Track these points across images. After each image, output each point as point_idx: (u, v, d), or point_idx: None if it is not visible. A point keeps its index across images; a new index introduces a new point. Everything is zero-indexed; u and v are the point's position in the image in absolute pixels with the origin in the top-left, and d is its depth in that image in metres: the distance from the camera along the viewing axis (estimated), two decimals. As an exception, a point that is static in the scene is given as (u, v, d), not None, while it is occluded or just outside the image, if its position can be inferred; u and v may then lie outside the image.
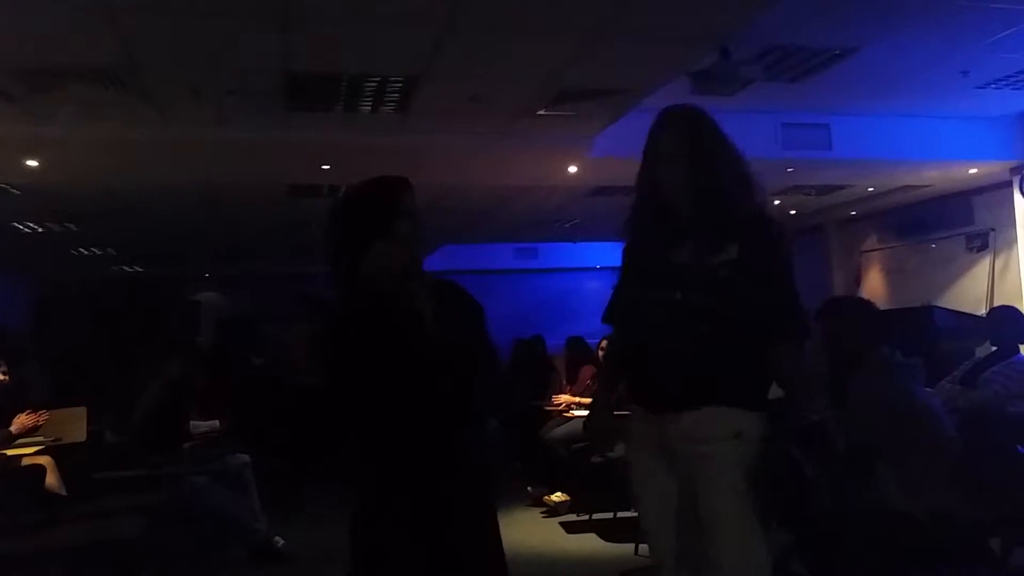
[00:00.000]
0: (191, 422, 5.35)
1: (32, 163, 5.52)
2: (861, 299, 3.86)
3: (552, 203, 8.21)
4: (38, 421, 4.88)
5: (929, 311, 6.46)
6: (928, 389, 3.60)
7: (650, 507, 2.17)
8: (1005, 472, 3.25)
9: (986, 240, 8.08)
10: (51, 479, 4.60)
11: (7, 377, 5.03)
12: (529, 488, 6.25)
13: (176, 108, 4.91)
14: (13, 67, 4.16)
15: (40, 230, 8.11)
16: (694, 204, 2.05)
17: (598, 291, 13.50)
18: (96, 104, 4.69)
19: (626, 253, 2.26)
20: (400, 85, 4.73)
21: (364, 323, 1.97)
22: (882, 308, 4.50)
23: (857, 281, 9.89)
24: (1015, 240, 7.41)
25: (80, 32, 3.79)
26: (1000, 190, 7.61)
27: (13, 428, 4.80)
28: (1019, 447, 3.35)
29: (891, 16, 4.38)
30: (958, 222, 8.42)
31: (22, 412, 4.92)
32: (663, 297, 2.05)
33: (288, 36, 3.98)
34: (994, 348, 4.33)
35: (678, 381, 2.03)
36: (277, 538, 4.89)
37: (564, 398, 6.76)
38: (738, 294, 1.94)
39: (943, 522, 2.83)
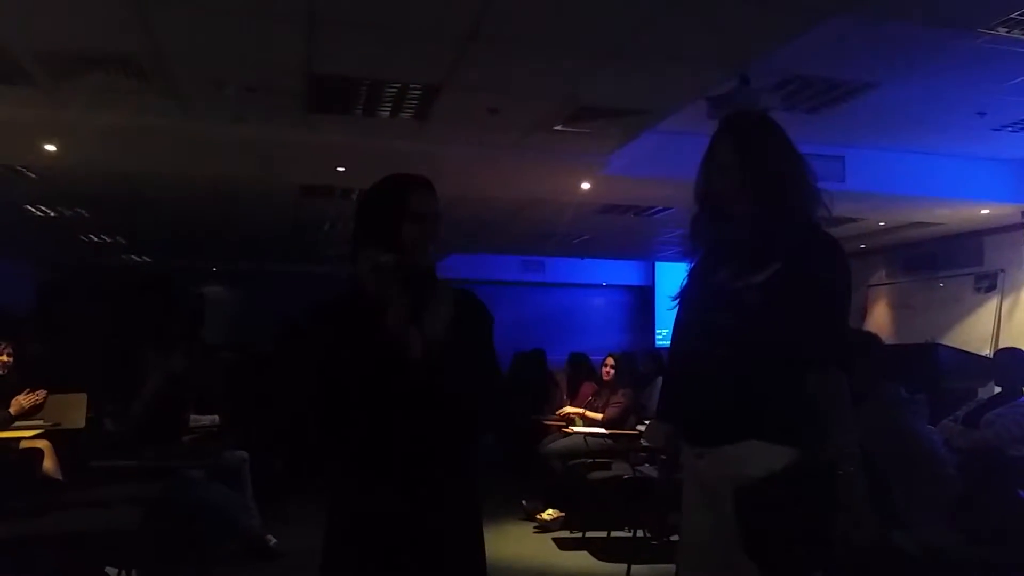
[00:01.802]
0: (191, 416, 5.36)
1: (50, 147, 5.55)
2: (869, 333, 3.86)
3: (563, 218, 8.22)
4: (36, 400, 4.91)
5: (934, 349, 6.45)
6: (930, 427, 3.60)
7: (684, 541, 2.05)
8: (1004, 515, 3.24)
9: (995, 281, 8.07)
10: (48, 464, 4.62)
11: (11, 359, 5.05)
12: (523, 502, 6.23)
13: (196, 101, 4.94)
14: (38, 51, 4.19)
15: (52, 214, 8.14)
16: (741, 217, 1.92)
17: (603, 308, 13.62)
18: (117, 92, 4.72)
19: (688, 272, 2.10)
20: (420, 92, 4.75)
21: (342, 325, 1.92)
22: (887, 343, 4.50)
23: (863, 314, 9.87)
24: (1024, 282, 7.42)
25: (109, 20, 3.81)
26: (1011, 232, 7.62)
27: (12, 409, 4.83)
28: (1020, 491, 3.34)
29: (911, 54, 4.40)
30: (967, 262, 8.42)
31: (21, 394, 4.94)
32: (692, 319, 1.97)
33: (314, 38, 4.01)
34: (998, 390, 4.33)
35: (700, 411, 1.90)
36: (270, 536, 4.89)
37: (567, 409, 6.76)
38: (762, 315, 1.78)
39: (939, 559, 2.83)
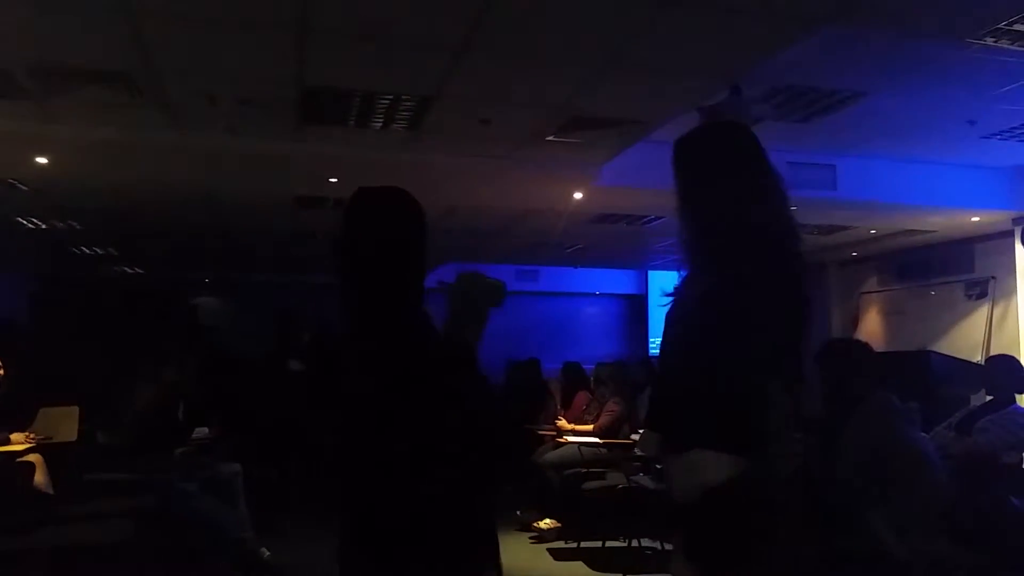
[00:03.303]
0: (184, 428, 5.34)
1: (42, 160, 5.54)
2: (860, 342, 3.87)
3: (556, 228, 8.24)
4: (28, 440, 4.85)
5: (926, 356, 6.48)
6: (923, 434, 3.61)
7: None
8: (997, 522, 3.25)
9: (986, 288, 8.11)
10: (39, 477, 4.59)
11: (3, 371, 5.03)
12: (519, 512, 6.22)
13: (188, 114, 4.94)
14: (32, 64, 4.19)
15: (43, 227, 8.12)
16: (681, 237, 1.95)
17: (597, 317, 13.64)
18: (110, 106, 4.72)
19: None
20: (412, 104, 4.76)
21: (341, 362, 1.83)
22: (879, 350, 4.51)
23: (855, 322, 9.91)
24: (1015, 290, 7.45)
25: (102, 35, 3.82)
26: (1002, 239, 7.66)
27: (12, 437, 4.77)
28: (1012, 498, 3.35)
29: (901, 63, 4.43)
30: (959, 269, 8.47)
31: (14, 407, 4.92)
32: (663, 331, 1.98)
33: (307, 50, 4.02)
34: (990, 397, 4.34)
35: (665, 421, 1.93)
36: (263, 549, 4.87)
37: (561, 424, 6.75)
38: (701, 330, 1.81)
39: (932, 567, 2.83)
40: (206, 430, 5.52)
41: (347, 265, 1.84)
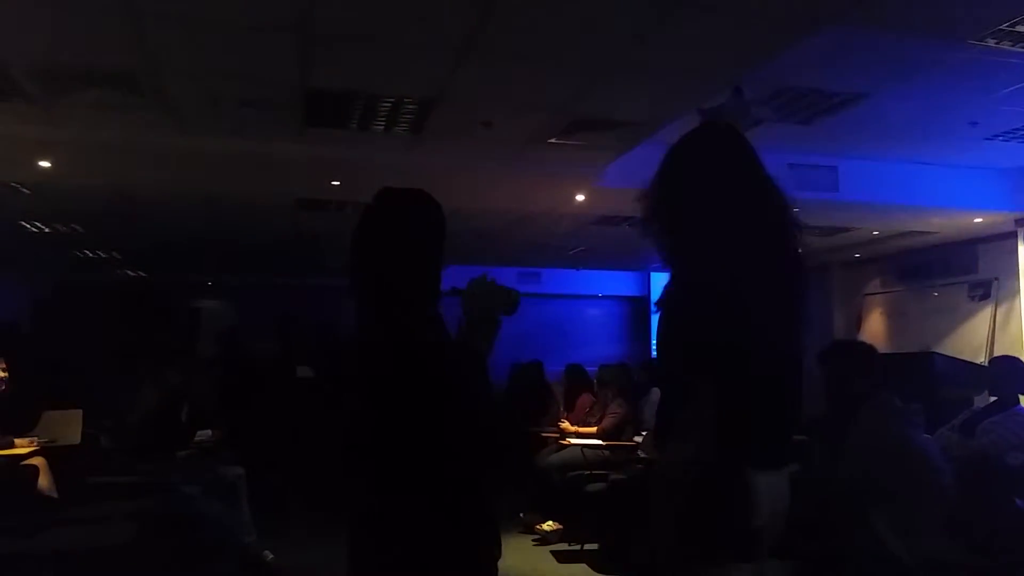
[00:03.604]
0: (186, 430, 5.35)
1: (45, 164, 5.55)
2: (864, 343, 3.86)
3: (558, 230, 8.24)
4: (32, 443, 4.85)
5: (929, 357, 6.46)
6: (927, 436, 3.60)
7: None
8: (1000, 523, 3.25)
9: (988, 289, 8.10)
10: (43, 481, 4.60)
11: (6, 374, 5.03)
12: (521, 514, 6.21)
13: (191, 116, 4.96)
14: (34, 67, 4.20)
15: (47, 230, 8.13)
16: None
17: (599, 319, 13.62)
18: (112, 108, 4.74)
19: None
20: (415, 107, 4.77)
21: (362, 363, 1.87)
22: (882, 352, 4.51)
23: (858, 323, 9.90)
24: (1018, 291, 7.43)
25: (105, 37, 3.83)
26: (1005, 240, 7.64)
27: (16, 441, 4.79)
28: (1016, 500, 3.35)
29: (902, 64, 4.43)
30: (961, 270, 8.45)
31: (18, 411, 4.93)
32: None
33: (309, 53, 4.03)
34: (993, 398, 4.34)
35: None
36: (266, 552, 4.87)
37: (564, 426, 6.74)
38: (659, 330, 1.89)
39: (936, 568, 2.82)
40: (208, 432, 5.52)
41: (363, 263, 1.87)
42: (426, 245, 1.89)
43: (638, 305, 13.42)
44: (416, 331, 1.81)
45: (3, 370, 5.09)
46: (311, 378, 7.12)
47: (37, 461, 4.67)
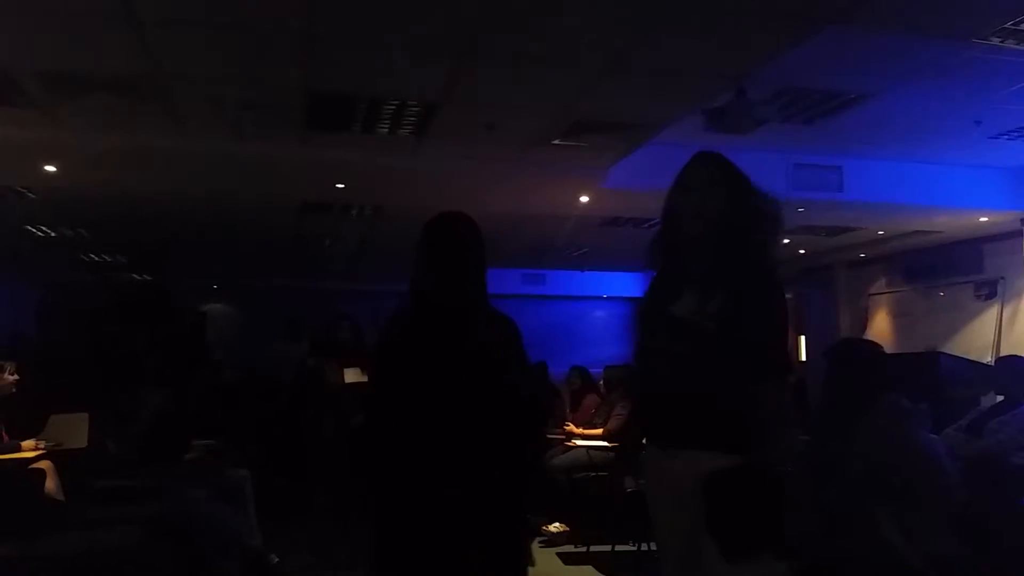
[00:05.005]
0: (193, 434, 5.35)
1: (50, 168, 5.58)
2: (871, 343, 3.85)
3: (562, 231, 8.24)
4: (39, 447, 4.87)
5: (935, 357, 6.44)
6: (933, 436, 3.59)
7: (658, 540, 2.28)
8: (1007, 523, 3.23)
9: (995, 288, 8.07)
10: (50, 484, 4.60)
11: (16, 378, 5.05)
12: (528, 516, 6.20)
13: (195, 120, 4.97)
14: (39, 72, 4.22)
15: (53, 234, 8.16)
16: (701, 251, 2.14)
17: (604, 320, 13.61)
18: (117, 112, 4.75)
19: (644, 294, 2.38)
20: (418, 109, 4.78)
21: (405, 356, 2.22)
22: (888, 352, 4.50)
23: (864, 323, 9.87)
24: (1024, 289, 7.42)
25: (109, 41, 3.85)
26: (1010, 239, 7.62)
27: (23, 444, 4.80)
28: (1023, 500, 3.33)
29: (906, 64, 4.42)
30: (967, 269, 8.42)
31: (24, 415, 4.93)
32: (657, 344, 2.15)
33: (312, 56, 4.04)
34: (1000, 398, 4.31)
35: (662, 421, 2.14)
36: (272, 555, 4.86)
37: (570, 428, 6.73)
38: (718, 340, 2.00)
39: (942, 569, 2.81)
40: (211, 442, 5.51)
41: (425, 267, 2.43)
42: (476, 257, 2.57)
43: (643, 306, 13.40)
44: (469, 313, 2.39)
45: (12, 374, 5.10)
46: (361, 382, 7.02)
47: (44, 465, 4.67)
